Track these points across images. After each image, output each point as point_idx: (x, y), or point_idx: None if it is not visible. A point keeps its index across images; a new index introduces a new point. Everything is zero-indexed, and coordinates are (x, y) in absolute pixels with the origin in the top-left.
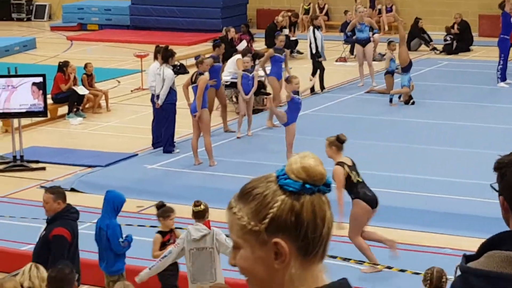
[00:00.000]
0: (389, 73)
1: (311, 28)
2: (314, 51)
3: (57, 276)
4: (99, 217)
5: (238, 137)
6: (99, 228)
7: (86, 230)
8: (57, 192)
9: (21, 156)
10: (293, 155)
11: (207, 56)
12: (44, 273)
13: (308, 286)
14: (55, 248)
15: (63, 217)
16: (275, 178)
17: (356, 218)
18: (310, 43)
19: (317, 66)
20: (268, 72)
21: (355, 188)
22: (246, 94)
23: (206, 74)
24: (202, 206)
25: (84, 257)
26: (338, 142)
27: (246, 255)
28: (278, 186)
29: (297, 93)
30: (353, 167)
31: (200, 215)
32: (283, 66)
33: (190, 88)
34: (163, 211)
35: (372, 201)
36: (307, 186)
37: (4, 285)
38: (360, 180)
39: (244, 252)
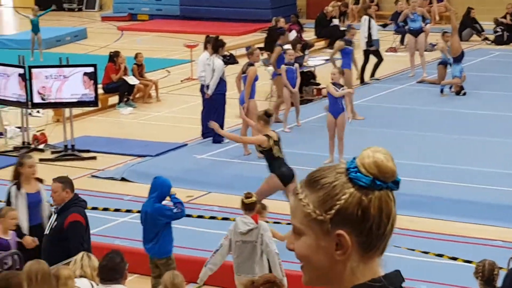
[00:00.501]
0: (442, 63)
1: (365, 17)
2: (367, 40)
3: (108, 264)
4: (145, 202)
5: (285, 131)
6: (145, 213)
7: (136, 219)
8: (65, 182)
9: (72, 146)
10: (365, 149)
11: (256, 46)
12: (95, 262)
13: (366, 279)
14: (73, 234)
15: (73, 205)
16: (345, 170)
17: (266, 189)
18: (368, 32)
19: (375, 56)
20: (338, 64)
21: (274, 161)
22: (293, 87)
23: (256, 65)
24: (253, 198)
25: (134, 246)
26: (266, 117)
27: (308, 243)
28: (348, 179)
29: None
30: (277, 142)
31: (250, 207)
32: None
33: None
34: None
35: (286, 178)
36: (377, 182)
37: (59, 273)
38: (281, 156)
39: (306, 239)
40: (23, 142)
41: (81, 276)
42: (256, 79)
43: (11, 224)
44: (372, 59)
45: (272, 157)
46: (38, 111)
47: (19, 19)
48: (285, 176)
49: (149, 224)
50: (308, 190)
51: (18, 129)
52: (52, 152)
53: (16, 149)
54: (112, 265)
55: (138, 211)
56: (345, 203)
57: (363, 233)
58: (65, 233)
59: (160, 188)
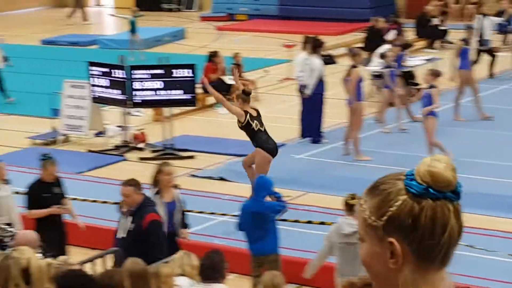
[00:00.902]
0: None
1: (479, 16)
2: (479, 39)
3: (208, 263)
4: (249, 201)
5: (384, 132)
6: (251, 213)
7: (235, 219)
8: (136, 184)
9: (171, 145)
10: (427, 157)
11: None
12: (194, 260)
13: None
14: (154, 233)
15: (147, 204)
16: (404, 177)
17: (260, 166)
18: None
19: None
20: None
21: (255, 135)
22: (392, 88)
23: (360, 67)
24: (357, 200)
25: (233, 245)
26: (244, 95)
27: (366, 249)
28: (403, 185)
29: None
30: (257, 117)
31: (354, 208)
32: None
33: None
34: None
35: (271, 149)
36: (431, 190)
37: (160, 271)
38: (262, 129)
39: (365, 246)
40: (123, 141)
41: (180, 275)
42: (360, 80)
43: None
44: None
45: (253, 131)
46: (138, 111)
47: (118, 20)
48: (269, 148)
49: (256, 223)
50: (369, 196)
51: (118, 128)
52: (152, 151)
53: (116, 147)
54: (212, 264)
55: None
56: (397, 210)
57: (414, 242)
58: (144, 234)
59: (267, 187)
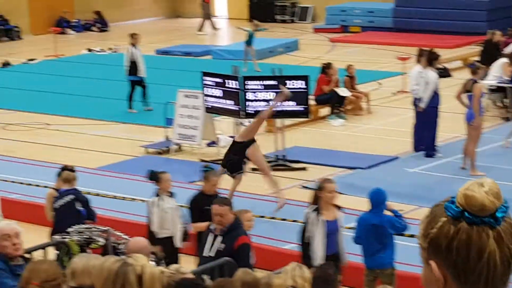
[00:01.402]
0: None
1: None
2: None
3: (322, 275)
4: (367, 214)
5: (505, 146)
6: (371, 225)
7: (349, 232)
8: (230, 203)
9: (283, 156)
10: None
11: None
12: (307, 273)
13: None
14: (244, 255)
15: (239, 225)
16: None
17: (261, 159)
18: None
19: None
20: None
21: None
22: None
23: (481, 82)
24: None
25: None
26: None
27: (422, 271)
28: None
29: None
30: None
31: None
32: None
33: (463, 95)
34: None
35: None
36: (466, 214)
37: (272, 281)
38: None
39: (422, 268)
40: None
41: (292, 286)
42: (482, 95)
43: (248, 226)
44: None
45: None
46: (250, 121)
47: (233, 30)
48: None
49: (375, 236)
50: (424, 218)
51: (231, 138)
52: None
53: None
54: (325, 277)
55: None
56: (437, 232)
57: (450, 265)
58: (235, 255)
59: (383, 200)
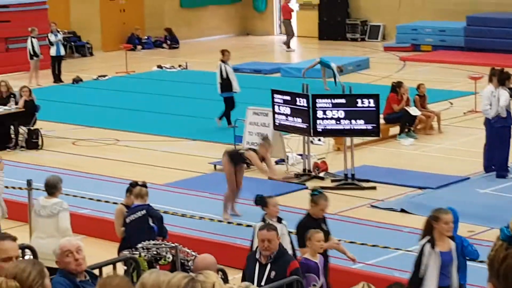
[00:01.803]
0: None
1: None
2: None
3: None
4: None
5: None
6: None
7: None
8: (276, 228)
9: (352, 175)
10: None
11: None
12: None
13: None
14: (299, 281)
15: (285, 251)
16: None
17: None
18: None
19: None
20: None
21: None
22: None
23: None
24: None
25: None
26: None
27: None
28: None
29: None
30: None
31: None
32: None
33: None
34: None
35: None
36: None
37: None
38: None
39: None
40: (304, 169)
41: None
42: None
43: (318, 247)
44: None
45: None
46: (319, 139)
47: (303, 48)
48: None
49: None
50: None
51: (299, 156)
52: (332, 181)
53: (297, 175)
54: None
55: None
56: (493, 254)
57: (502, 286)
58: (288, 281)
59: (456, 220)
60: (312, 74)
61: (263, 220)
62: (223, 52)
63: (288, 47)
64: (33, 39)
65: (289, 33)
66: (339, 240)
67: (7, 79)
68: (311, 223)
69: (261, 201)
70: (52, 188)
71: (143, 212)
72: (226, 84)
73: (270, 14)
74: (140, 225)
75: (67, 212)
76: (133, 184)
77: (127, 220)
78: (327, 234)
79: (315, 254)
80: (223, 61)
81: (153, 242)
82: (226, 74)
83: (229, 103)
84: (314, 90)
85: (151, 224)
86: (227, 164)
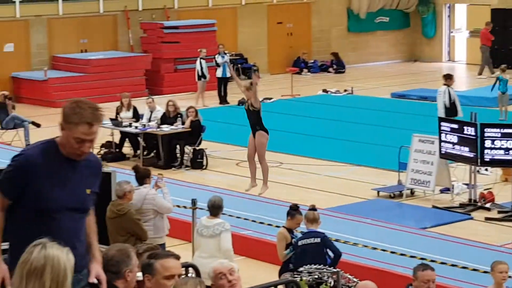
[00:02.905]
0: None
1: None
2: None
3: None
4: None
5: None
6: None
7: None
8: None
9: None
10: None
11: None
12: None
13: None
14: None
15: None
16: None
17: (264, 146)
18: None
19: None
20: None
21: (261, 119)
22: None
23: None
24: None
25: None
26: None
27: None
28: None
29: None
30: None
31: None
32: None
33: None
34: None
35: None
36: None
37: None
38: None
39: None
40: (469, 199)
41: None
42: None
43: (500, 278)
44: None
45: (259, 117)
46: (486, 169)
47: (470, 76)
48: (267, 129)
49: None
50: None
51: (465, 186)
52: (499, 212)
53: (461, 205)
54: None
55: None
56: None
57: None
58: None
59: None
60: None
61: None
62: (448, 76)
63: (479, 74)
64: (202, 60)
65: (485, 61)
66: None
67: (175, 99)
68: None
69: (293, 210)
70: (216, 208)
71: (318, 240)
72: (452, 109)
73: (439, 40)
74: (312, 251)
75: (229, 233)
76: (294, 207)
77: (299, 243)
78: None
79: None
80: (447, 85)
81: (315, 266)
82: (453, 98)
83: None
84: (482, 119)
85: (325, 251)
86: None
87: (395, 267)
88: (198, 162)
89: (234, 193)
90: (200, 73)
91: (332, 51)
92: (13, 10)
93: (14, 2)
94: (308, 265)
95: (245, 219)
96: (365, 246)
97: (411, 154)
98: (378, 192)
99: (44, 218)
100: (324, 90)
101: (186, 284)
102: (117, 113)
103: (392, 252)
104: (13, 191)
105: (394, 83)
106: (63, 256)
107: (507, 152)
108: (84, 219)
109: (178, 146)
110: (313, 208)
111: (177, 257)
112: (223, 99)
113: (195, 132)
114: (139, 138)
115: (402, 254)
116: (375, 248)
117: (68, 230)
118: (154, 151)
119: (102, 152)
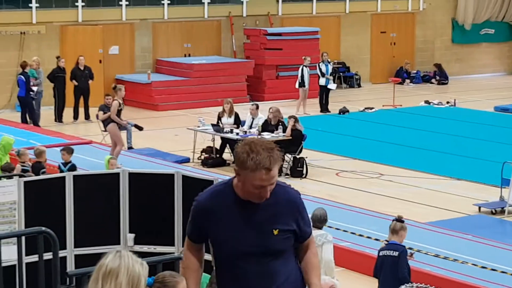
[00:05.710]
0: None
1: None
2: None
3: None
4: None
5: None
6: None
7: None
8: None
9: None
10: None
11: None
12: None
13: None
14: None
15: None
16: None
17: None
18: None
19: None
20: None
21: None
22: None
23: None
24: None
25: None
26: None
27: None
28: None
29: None
30: None
31: None
32: None
33: None
34: None
35: None
36: None
37: None
38: None
39: None
40: None
41: None
42: None
43: None
44: None
45: None
46: None
47: None
48: None
49: None
50: None
51: None
52: None
53: None
54: None
55: None
56: None
57: None
58: None
59: None
60: None
61: None
62: None
63: None
64: (304, 67)
65: None
66: None
67: (277, 106)
68: None
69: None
70: (320, 222)
71: (395, 253)
72: None
73: None
74: (391, 264)
75: (331, 244)
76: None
77: (380, 253)
78: None
79: None
80: None
81: (417, 284)
82: None
83: None
84: None
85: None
86: None
87: (495, 286)
88: (298, 170)
89: (334, 204)
90: (301, 81)
91: (435, 62)
92: (119, 13)
93: (121, 5)
94: (409, 283)
95: (344, 230)
96: (464, 262)
97: None
98: (480, 207)
99: (228, 264)
100: (426, 102)
101: None
102: (219, 119)
103: (493, 270)
104: (194, 234)
105: (498, 96)
106: (137, 261)
107: None
108: (280, 260)
109: None
110: (399, 220)
111: None
112: (324, 108)
113: (296, 140)
114: None
115: (503, 272)
116: (475, 265)
117: (256, 274)
118: None
119: (202, 157)
